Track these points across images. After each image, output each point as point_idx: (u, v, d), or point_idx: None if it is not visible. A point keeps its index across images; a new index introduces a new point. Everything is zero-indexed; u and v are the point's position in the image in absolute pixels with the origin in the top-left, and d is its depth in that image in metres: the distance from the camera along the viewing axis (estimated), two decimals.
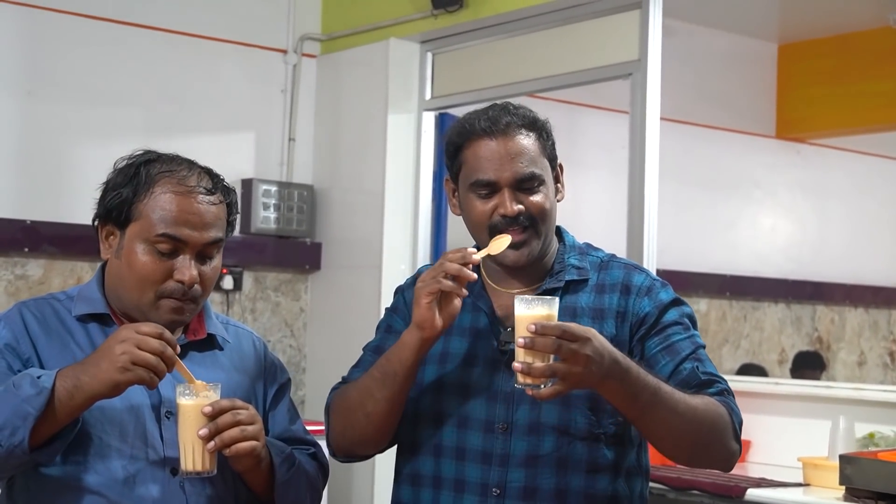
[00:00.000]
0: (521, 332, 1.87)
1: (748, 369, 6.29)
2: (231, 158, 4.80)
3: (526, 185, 2.10)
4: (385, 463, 4.56)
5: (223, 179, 2.16)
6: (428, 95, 4.89)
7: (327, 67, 5.12)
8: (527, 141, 2.13)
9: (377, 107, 4.83)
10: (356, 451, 2.19)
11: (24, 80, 4.45)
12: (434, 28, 4.72)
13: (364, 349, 2.27)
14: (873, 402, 3.61)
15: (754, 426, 3.84)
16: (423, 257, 4.84)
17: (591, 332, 1.88)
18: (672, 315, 2.12)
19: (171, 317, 2.06)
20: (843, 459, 3.11)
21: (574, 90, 5.00)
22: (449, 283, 1.96)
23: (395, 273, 4.71)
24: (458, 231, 5.00)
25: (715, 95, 6.69)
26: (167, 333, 1.89)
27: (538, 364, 1.86)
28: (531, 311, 1.89)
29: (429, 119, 4.89)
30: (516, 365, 1.87)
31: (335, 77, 5.09)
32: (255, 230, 4.94)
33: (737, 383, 4.16)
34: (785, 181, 7.10)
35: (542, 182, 2.12)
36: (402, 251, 4.83)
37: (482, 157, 2.11)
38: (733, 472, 3.48)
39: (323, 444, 2.25)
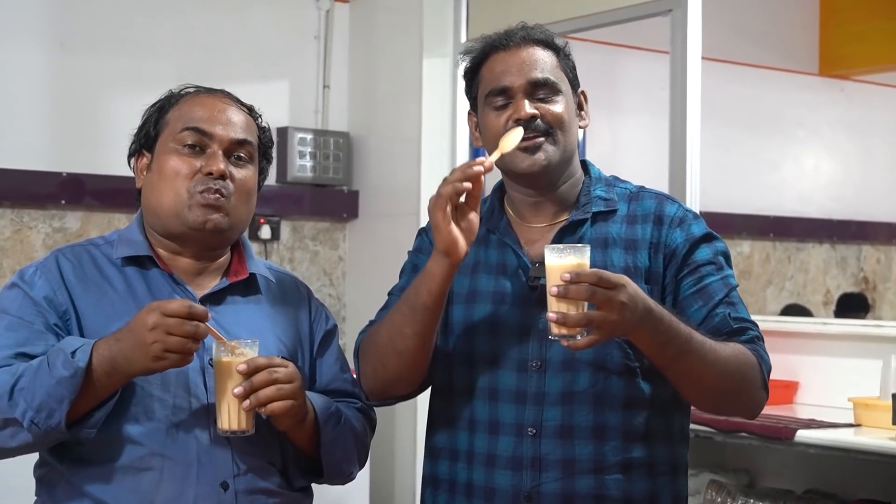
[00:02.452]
0: (554, 282, 1.82)
1: (792, 310, 6.21)
2: (265, 107, 4.60)
3: (541, 91, 2.05)
4: (426, 408, 4.55)
5: (254, 107, 2.14)
6: (463, 38, 4.79)
7: (360, 12, 5.04)
8: (543, 54, 2.07)
9: (412, 51, 4.75)
10: (390, 391, 2.11)
11: (57, 33, 4.41)
12: None
13: (390, 293, 2.21)
14: None
15: (802, 367, 3.78)
16: None
17: (625, 279, 1.83)
18: (705, 252, 2.06)
19: (203, 214, 2.01)
20: None
21: (612, 31, 4.89)
22: (449, 188, 1.85)
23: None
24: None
25: (755, 33, 6.57)
26: (196, 308, 1.83)
27: (573, 313, 1.81)
28: (563, 261, 1.83)
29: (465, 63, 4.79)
30: (550, 315, 1.82)
31: (368, 22, 5.01)
32: (292, 179, 4.90)
33: (784, 324, 4.10)
34: (828, 119, 6.98)
35: (558, 91, 2.06)
36: None
37: (496, 69, 2.06)
38: (782, 413, 3.46)
39: None
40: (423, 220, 4.71)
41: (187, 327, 1.81)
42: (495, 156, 1.95)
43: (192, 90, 2.10)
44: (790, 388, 3.79)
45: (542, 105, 2.04)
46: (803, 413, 3.53)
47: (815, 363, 3.75)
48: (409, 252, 2.25)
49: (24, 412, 1.83)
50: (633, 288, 1.83)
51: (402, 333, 2.01)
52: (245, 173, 2.06)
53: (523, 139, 2.01)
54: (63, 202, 4.35)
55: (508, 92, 2.04)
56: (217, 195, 2.00)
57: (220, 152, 2.02)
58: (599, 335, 1.82)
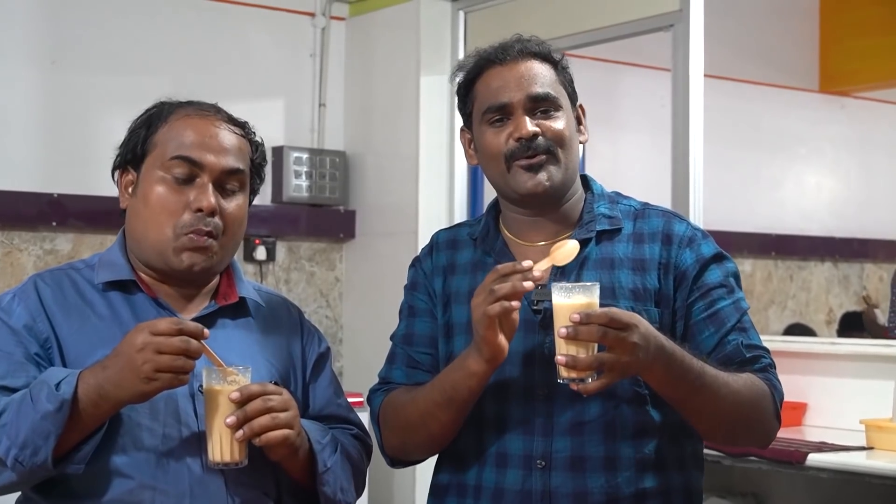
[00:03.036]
0: (562, 322, 1.74)
1: (795, 330, 6.13)
2: (260, 125, 4.53)
3: (542, 107, 1.96)
4: None
5: (247, 123, 2.02)
6: (461, 55, 4.71)
7: (357, 30, 4.98)
8: (541, 68, 1.99)
9: (409, 69, 4.69)
10: (413, 459, 2.07)
11: (48, 50, 4.34)
12: None
13: (393, 340, 2.12)
14: None
15: (811, 388, 3.70)
16: (460, 221, 4.69)
17: (636, 318, 1.75)
18: (716, 274, 1.98)
19: (191, 258, 1.91)
20: None
21: (612, 47, 4.84)
22: (503, 306, 1.76)
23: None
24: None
25: (755, 50, 6.52)
26: (188, 325, 1.74)
27: (583, 356, 1.73)
28: (571, 300, 1.75)
29: None
30: (559, 358, 1.74)
31: (365, 40, 4.95)
32: (287, 199, 4.82)
33: (791, 344, 4.02)
34: (829, 136, 6.93)
35: (559, 107, 1.98)
36: (438, 216, 4.70)
37: (493, 85, 1.97)
38: (791, 435, 3.38)
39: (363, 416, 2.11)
40: (423, 240, 4.67)
41: (178, 343, 1.71)
42: (545, 264, 1.83)
43: (182, 106, 1.98)
44: (798, 410, 3.72)
45: (543, 122, 1.96)
46: (813, 436, 3.45)
47: (824, 384, 3.68)
48: (404, 288, 2.16)
49: (7, 450, 1.73)
50: (645, 326, 1.76)
51: (438, 420, 1.94)
52: (235, 203, 1.96)
53: (525, 156, 1.94)
54: (54, 223, 4.27)
55: (507, 108, 1.96)
56: (206, 237, 1.91)
57: (210, 185, 1.92)
58: (610, 378, 1.75)
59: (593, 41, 4.34)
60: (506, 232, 2.05)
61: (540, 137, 1.95)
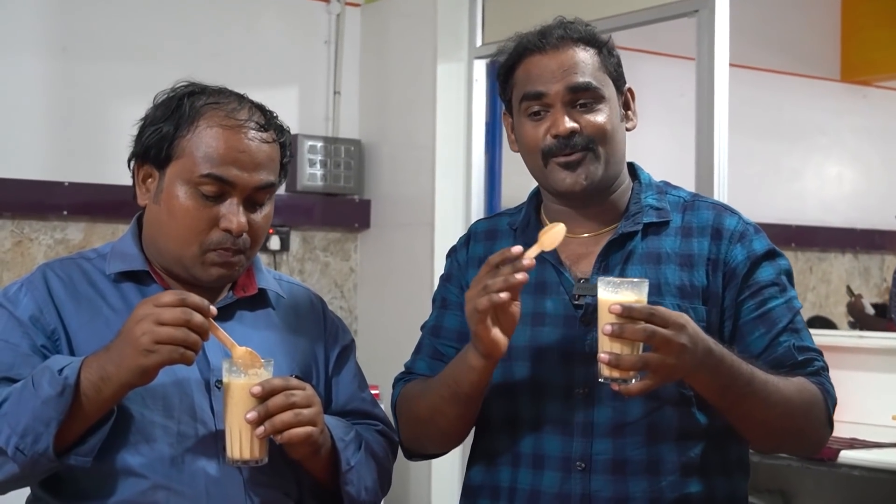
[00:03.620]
0: (606, 318, 1.65)
1: (816, 323, 6.04)
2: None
3: (582, 99, 1.87)
4: None
5: (276, 116, 1.92)
6: (479, 42, 4.65)
7: (372, 16, 4.90)
8: (583, 54, 1.89)
9: (425, 56, 4.61)
10: (429, 452, 2.01)
11: (59, 37, 4.27)
12: None
13: (422, 329, 2.05)
14: None
15: (840, 383, 3.50)
16: (477, 212, 4.62)
17: (685, 317, 1.67)
18: (768, 273, 1.89)
19: (218, 272, 1.83)
20: None
21: (630, 35, 4.74)
22: (494, 299, 1.68)
23: (448, 229, 4.50)
24: (512, 184, 4.82)
25: (776, 39, 6.44)
26: (192, 298, 1.64)
27: (628, 355, 1.64)
28: (617, 296, 1.66)
29: (480, 67, 4.65)
30: (602, 356, 1.65)
31: (380, 26, 4.87)
32: (302, 188, 4.75)
33: (819, 337, 3.91)
34: (850, 127, 6.85)
35: (601, 98, 1.88)
36: (454, 207, 4.62)
37: (532, 73, 1.89)
38: None
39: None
40: (439, 231, 4.61)
41: (178, 313, 1.62)
42: (534, 251, 1.75)
43: (212, 104, 1.84)
44: None
45: (583, 116, 1.87)
46: (843, 432, 3.35)
47: (853, 378, 3.58)
48: (440, 277, 2.08)
49: (7, 438, 1.64)
50: (693, 328, 1.67)
51: (445, 415, 1.89)
52: (263, 215, 1.87)
53: (563, 154, 1.86)
54: (65, 213, 4.21)
55: (545, 98, 1.88)
56: (233, 255, 1.83)
57: (240, 204, 1.82)
58: (654, 380, 1.66)
59: (615, 27, 4.23)
60: (547, 223, 1.96)
61: (577, 135, 1.87)
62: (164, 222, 1.84)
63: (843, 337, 3.92)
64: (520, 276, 1.68)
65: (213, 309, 1.68)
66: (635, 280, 1.70)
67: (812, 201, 6.57)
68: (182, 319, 1.63)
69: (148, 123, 1.88)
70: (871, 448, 3.10)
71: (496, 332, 1.73)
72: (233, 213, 1.82)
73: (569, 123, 1.86)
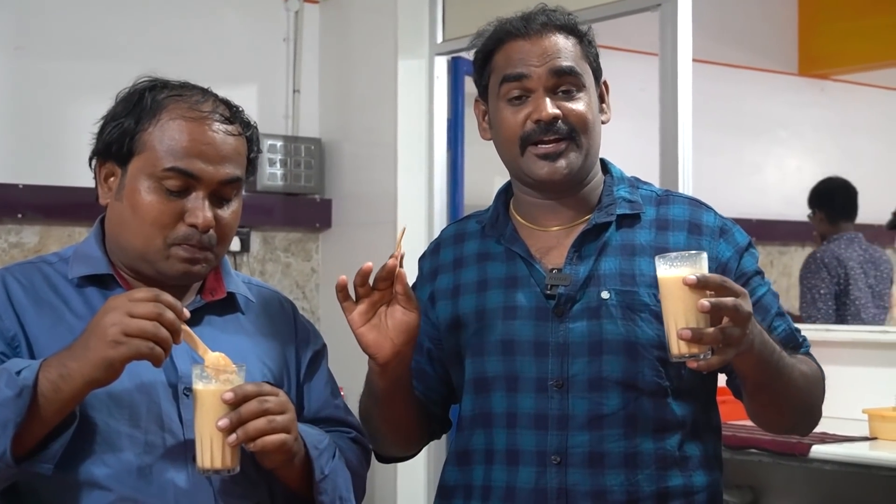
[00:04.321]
0: (674, 295, 1.62)
1: None
2: None
3: (564, 85, 1.84)
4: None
5: (242, 110, 1.87)
6: (440, 39, 4.61)
7: (331, 13, 4.85)
8: (566, 42, 1.88)
9: (386, 53, 4.56)
10: (393, 456, 2.02)
11: (13, 35, 4.20)
12: None
13: None
14: None
15: None
16: (440, 210, 4.59)
17: (742, 288, 1.65)
18: (751, 263, 1.91)
19: (183, 267, 1.77)
20: None
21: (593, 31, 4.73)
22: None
23: (411, 228, 4.43)
24: (475, 181, 4.78)
25: (735, 33, 6.47)
26: (166, 296, 1.59)
27: (709, 329, 1.60)
28: (678, 271, 1.63)
29: (441, 64, 4.62)
30: (684, 332, 1.60)
31: (340, 23, 4.82)
32: (262, 188, 4.70)
33: None
34: (809, 120, 6.90)
35: (582, 86, 1.86)
36: (417, 205, 4.58)
37: (514, 57, 1.86)
38: None
39: None
40: (401, 229, 4.54)
41: (151, 307, 1.56)
42: (398, 249, 1.78)
43: (175, 96, 1.79)
44: None
45: (565, 104, 1.84)
46: None
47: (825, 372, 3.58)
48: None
49: None
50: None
51: (373, 417, 1.93)
52: (231, 210, 1.83)
53: (541, 144, 1.84)
54: (20, 216, 4.14)
55: (526, 81, 1.84)
56: (199, 250, 1.77)
57: (205, 198, 1.77)
58: (728, 353, 1.64)
59: (579, 22, 4.22)
60: (517, 217, 1.95)
61: (560, 122, 1.84)
62: (127, 219, 1.78)
63: (812, 331, 3.91)
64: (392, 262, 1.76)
65: (186, 312, 1.63)
66: (693, 253, 1.67)
67: (773, 195, 6.59)
68: (154, 313, 1.57)
69: (109, 120, 1.82)
70: (841, 442, 3.10)
71: (366, 332, 1.77)
72: (199, 208, 1.76)
73: (552, 109, 1.83)
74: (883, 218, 7.14)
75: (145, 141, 1.77)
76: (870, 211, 6.97)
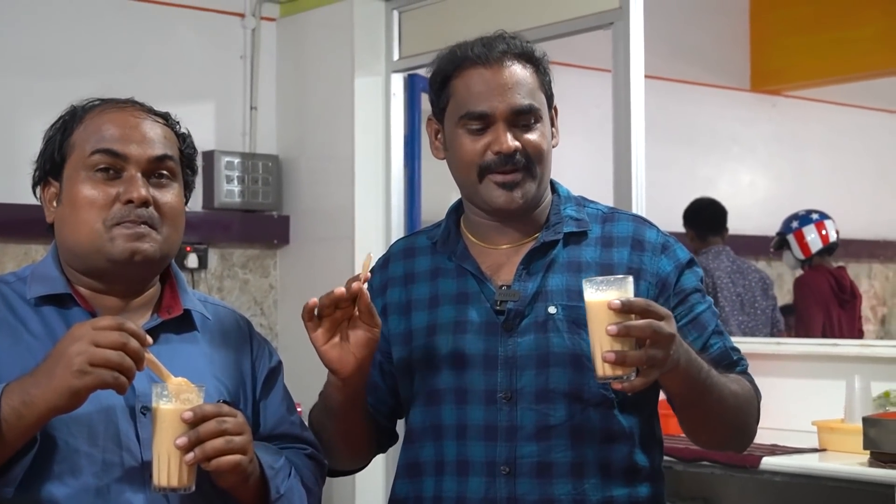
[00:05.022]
0: (599, 318, 1.65)
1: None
2: (190, 130, 4.49)
3: (523, 119, 1.88)
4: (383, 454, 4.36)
5: (169, 113, 1.90)
6: (396, 56, 4.66)
7: (288, 31, 4.87)
8: (524, 72, 1.90)
9: (343, 70, 4.60)
10: (341, 468, 2.05)
11: None
12: None
13: None
14: (887, 360, 3.42)
15: (761, 390, 3.63)
16: (398, 225, 4.62)
17: (667, 310, 1.69)
18: (691, 280, 1.95)
19: (130, 246, 1.78)
20: (868, 423, 2.94)
21: (548, 47, 4.76)
22: (308, 302, 1.79)
23: (368, 244, 4.49)
24: (432, 196, 4.81)
25: (687, 49, 6.55)
26: (129, 324, 1.61)
27: (631, 351, 1.64)
28: (604, 295, 1.67)
29: (398, 81, 4.66)
30: (608, 355, 1.64)
31: (297, 41, 4.84)
32: (219, 205, 4.70)
33: (740, 345, 3.97)
34: (761, 135, 6.98)
35: (539, 118, 1.90)
36: (375, 220, 4.61)
37: (474, 88, 1.88)
38: None
39: None
40: (359, 244, 4.59)
41: (116, 336, 1.58)
42: (364, 272, 1.80)
43: (97, 104, 1.86)
44: None
45: (523, 136, 1.88)
46: (764, 438, 3.39)
47: (773, 385, 3.59)
48: None
49: None
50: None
51: (326, 429, 1.95)
52: (170, 194, 1.84)
53: (500, 173, 1.87)
54: None
55: (488, 118, 1.88)
56: (142, 226, 1.78)
57: (139, 175, 1.79)
58: (652, 374, 1.67)
59: (533, 40, 4.25)
60: (468, 234, 1.99)
61: (518, 153, 1.87)
62: (68, 218, 1.81)
63: (763, 344, 3.98)
64: (337, 291, 1.78)
65: (149, 339, 1.64)
66: (620, 277, 1.70)
67: (728, 208, 6.65)
68: (119, 343, 1.59)
69: (43, 147, 1.87)
70: (791, 454, 3.15)
71: (328, 349, 1.80)
72: (132, 185, 1.79)
73: (512, 142, 1.86)
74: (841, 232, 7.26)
75: (73, 142, 1.82)
76: None
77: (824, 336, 5.51)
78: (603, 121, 3.99)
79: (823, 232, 5.76)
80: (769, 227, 6.83)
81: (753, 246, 6.72)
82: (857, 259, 7.44)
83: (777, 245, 5.92)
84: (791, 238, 5.78)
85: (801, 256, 5.80)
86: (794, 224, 5.83)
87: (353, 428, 1.94)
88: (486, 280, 1.92)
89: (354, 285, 1.77)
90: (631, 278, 1.70)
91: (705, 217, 5.76)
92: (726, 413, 1.85)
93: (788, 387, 3.63)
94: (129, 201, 1.78)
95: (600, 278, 1.70)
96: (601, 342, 1.66)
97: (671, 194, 6.15)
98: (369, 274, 1.79)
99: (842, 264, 6.29)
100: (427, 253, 2.01)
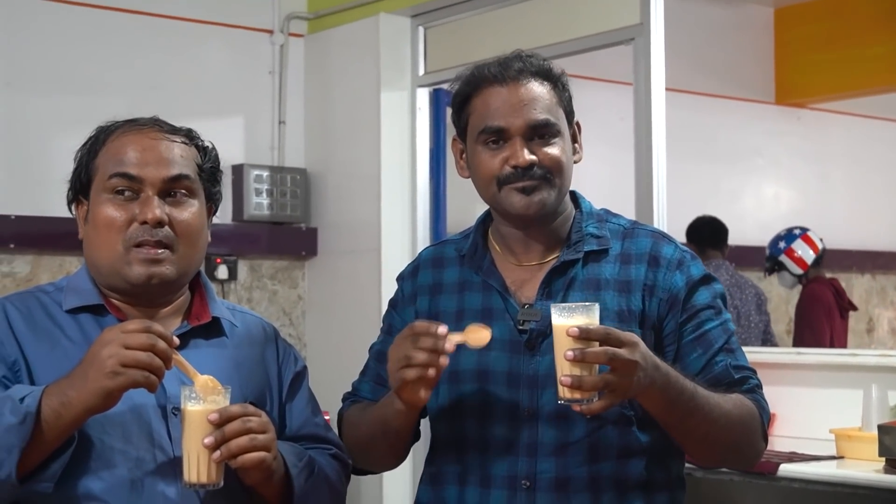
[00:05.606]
0: (562, 343, 1.72)
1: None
2: (219, 144, 4.48)
3: (540, 133, 1.92)
4: None
5: (190, 129, 1.98)
6: (421, 71, 4.73)
7: (315, 47, 4.95)
8: (541, 89, 1.94)
9: (369, 85, 4.67)
10: (373, 470, 2.12)
11: (2, 72, 4.29)
12: (425, 0, 4.55)
13: (369, 351, 2.13)
14: None
15: (780, 398, 3.70)
16: (423, 238, 4.68)
17: (636, 336, 1.74)
18: (704, 297, 1.97)
19: (145, 270, 1.87)
20: (882, 430, 2.98)
21: (569, 62, 4.83)
22: (414, 373, 1.78)
23: (394, 255, 4.56)
24: (457, 209, 4.87)
25: (711, 63, 6.58)
26: (156, 327, 1.70)
27: (589, 377, 1.70)
28: (571, 321, 1.73)
29: (423, 96, 4.73)
30: (564, 379, 1.71)
31: (324, 56, 4.92)
32: (248, 217, 4.79)
33: (759, 354, 4.03)
34: (786, 148, 7.00)
35: (557, 132, 1.94)
36: (400, 233, 4.67)
37: (492, 105, 1.94)
38: None
39: None
40: (385, 256, 4.66)
41: (145, 338, 1.68)
42: (457, 339, 1.82)
43: (120, 125, 1.95)
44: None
45: (540, 149, 1.93)
46: (783, 446, 3.45)
47: (794, 394, 3.68)
48: (389, 301, 2.15)
49: None
50: (643, 346, 1.75)
51: (378, 447, 2.01)
52: (187, 212, 1.92)
53: (520, 181, 1.92)
54: (12, 246, 4.22)
55: (504, 133, 1.93)
56: (157, 248, 1.87)
57: (154, 197, 1.88)
58: (613, 398, 1.73)
59: (554, 56, 4.32)
60: (495, 247, 2.03)
61: (536, 167, 1.92)
62: (92, 237, 1.91)
63: (782, 354, 4.02)
64: (443, 361, 1.78)
65: (176, 339, 1.73)
66: (587, 304, 1.76)
67: (750, 222, 6.68)
68: (148, 344, 1.67)
69: (74, 167, 1.97)
70: (809, 461, 3.19)
71: (418, 391, 1.82)
72: (146, 206, 1.87)
73: (528, 156, 1.91)
74: (859, 243, 7.28)
75: (97, 166, 1.92)
76: (844, 237, 7.10)
77: (831, 346, 5.63)
78: (627, 134, 4.04)
79: (811, 243, 5.97)
80: None
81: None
82: (885, 271, 7.44)
83: (770, 269, 6.09)
84: (784, 258, 5.98)
85: (798, 272, 5.99)
86: (782, 244, 6.02)
87: (405, 441, 2.00)
88: (510, 297, 1.97)
89: (449, 347, 1.80)
90: (597, 305, 1.76)
91: (706, 233, 5.98)
92: (715, 433, 1.86)
93: (807, 396, 3.68)
94: (144, 222, 1.87)
95: (568, 304, 1.76)
96: (562, 366, 1.72)
97: (695, 208, 6.19)
98: (454, 347, 1.82)
99: (834, 276, 6.43)
100: (455, 264, 2.06)
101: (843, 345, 5.89)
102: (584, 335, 1.69)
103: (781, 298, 6.51)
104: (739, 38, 6.77)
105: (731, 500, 3.80)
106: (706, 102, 6.50)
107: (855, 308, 6.28)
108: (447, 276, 2.06)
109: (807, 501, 3.49)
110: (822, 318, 5.89)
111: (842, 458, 3.25)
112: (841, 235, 7.11)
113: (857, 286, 7.24)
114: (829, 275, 6.29)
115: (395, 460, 2.04)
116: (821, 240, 6.00)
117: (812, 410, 3.61)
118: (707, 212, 6.32)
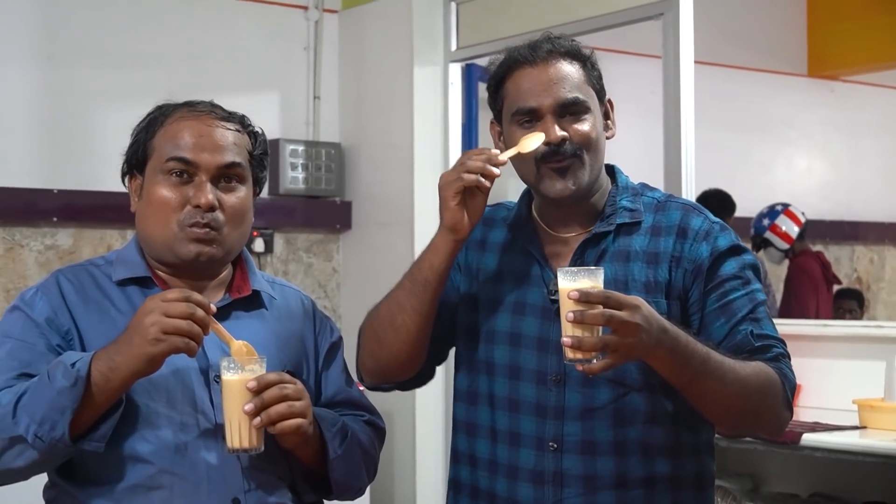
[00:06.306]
0: (566, 306, 1.79)
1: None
2: (255, 119, 4.54)
3: (570, 111, 2.00)
4: (425, 415, 4.51)
5: (244, 116, 2.09)
6: (453, 46, 4.78)
7: (349, 22, 5.02)
8: (570, 68, 2.02)
9: (402, 60, 4.73)
10: (386, 374, 2.10)
11: (44, 47, 4.38)
12: None
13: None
14: None
15: (804, 369, 3.71)
16: None
17: (639, 300, 1.79)
18: (731, 267, 2.00)
19: (195, 247, 1.98)
20: None
21: (600, 36, 4.87)
22: (472, 176, 1.88)
23: (427, 229, 4.62)
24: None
25: (744, 35, 6.56)
26: (195, 296, 1.82)
27: (588, 337, 1.77)
28: (575, 284, 1.80)
29: (455, 71, 4.78)
30: (565, 340, 1.78)
31: (358, 32, 4.99)
32: (284, 191, 4.87)
33: (783, 326, 4.05)
34: (818, 120, 6.98)
35: (587, 109, 2.01)
36: (433, 206, 4.59)
37: (523, 86, 2.02)
38: None
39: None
40: (418, 229, 4.72)
41: (184, 307, 1.79)
42: (511, 152, 1.94)
43: (178, 108, 2.05)
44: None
45: (571, 126, 2.00)
46: (807, 416, 3.50)
47: (817, 365, 3.73)
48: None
49: (27, 427, 1.80)
50: (648, 309, 1.80)
51: (402, 308, 2.02)
52: (236, 197, 2.03)
53: (554, 160, 1.99)
54: (55, 219, 4.32)
55: (536, 113, 2.01)
56: (207, 229, 1.98)
57: (208, 182, 1.99)
58: (615, 358, 1.79)
59: (584, 31, 4.37)
60: (537, 218, 2.11)
61: (567, 143, 1.99)
62: (146, 213, 2.02)
63: (807, 326, 4.07)
64: (495, 171, 1.89)
65: (213, 306, 1.84)
66: (591, 268, 1.83)
67: (782, 194, 6.67)
68: (187, 312, 1.79)
69: (131, 142, 2.08)
70: (831, 431, 3.24)
71: (464, 214, 1.91)
72: (200, 190, 1.98)
73: (559, 132, 1.98)
74: (893, 216, 7.27)
75: (155, 145, 2.02)
76: (878, 210, 7.10)
77: (816, 317, 5.71)
78: (659, 107, 4.08)
79: (794, 218, 6.07)
80: (825, 211, 6.88)
81: (810, 230, 6.75)
82: None
83: (757, 246, 6.14)
84: (769, 234, 6.08)
85: (784, 247, 6.08)
86: (766, 221, 6.11)
87: (429, 309, 2.01)
88: (547, 266, 2.05)
89: (503, 158, 1.91)
90: (602, 269, 1.82)
91: (713, 205, 5.94)
92: (728, 398, 1.89)
93: (830, 367, 3.73)
94: (197, 206, 1.97)
95: (573, 268, 1.83)
96: (565, 328, 1.79)
97: (725, 179, 6.22)
98: (507, 161, 1.93)
99: (820, 249, 6.49)
100: (503, 226, 2.13)
101: (828, 316, 5.96)
102: (583, 298, 1.76)
103: (773, 274, 6.51)
104: (771, 9, 6.76)
105: (757, 469, 3.87)
106: (738, 74, 6.49)
107: (839, 282, 6.38)
108: (494, 235, 2.13)
109: (827, 469, 3.56)
110: (809, 290, 6.00)
111: (864, 428, 3.30)
112: (874, 208, 7.12)
113: (889, 259, 7.24)
114: (860, 247, 6.31)
115: (412, 343, 2.03)
116: (803, 213, 6.08)
117: (835, 381, 3.66)
118: (738, 183, 6.36)
